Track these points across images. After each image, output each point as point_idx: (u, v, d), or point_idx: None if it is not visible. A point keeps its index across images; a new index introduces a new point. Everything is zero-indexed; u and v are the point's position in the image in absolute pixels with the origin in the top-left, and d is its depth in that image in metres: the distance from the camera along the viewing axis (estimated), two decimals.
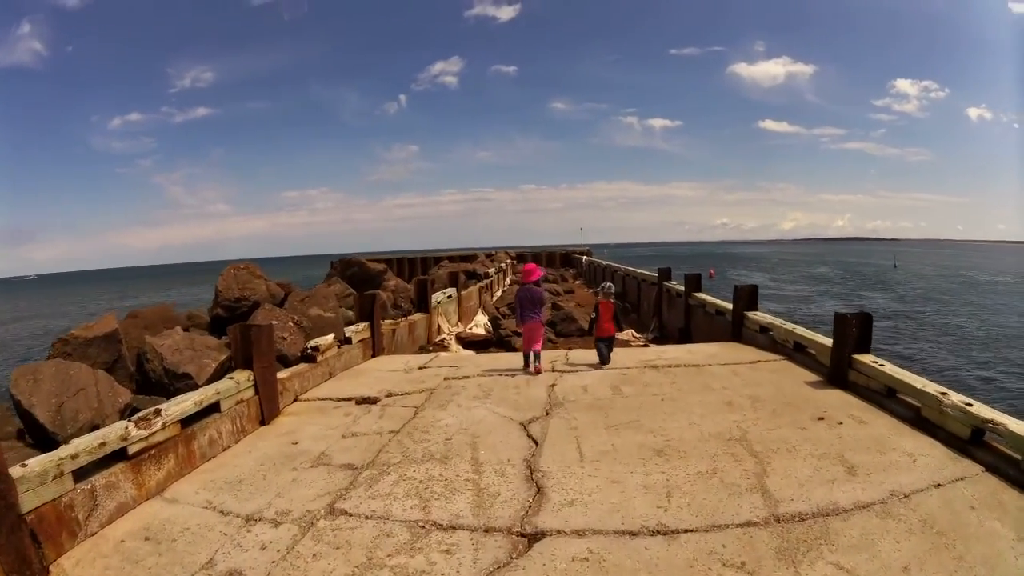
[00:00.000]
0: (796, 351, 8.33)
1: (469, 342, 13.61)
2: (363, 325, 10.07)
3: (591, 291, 30.53)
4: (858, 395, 6.40)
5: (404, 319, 12.09)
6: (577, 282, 37.88)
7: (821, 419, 5.68)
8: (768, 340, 9.24)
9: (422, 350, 12.66)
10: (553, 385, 7.46)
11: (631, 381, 7.51)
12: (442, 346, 13.37)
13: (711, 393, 6.80)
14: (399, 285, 13.49)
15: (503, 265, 34.67)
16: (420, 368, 8.84)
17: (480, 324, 17.13)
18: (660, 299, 16.37)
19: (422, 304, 13.27)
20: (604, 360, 8.57)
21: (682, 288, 14.19)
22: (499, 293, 24.07)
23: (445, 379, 7.98)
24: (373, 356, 10.12)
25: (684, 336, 13.18)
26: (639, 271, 21.55)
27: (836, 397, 6.44)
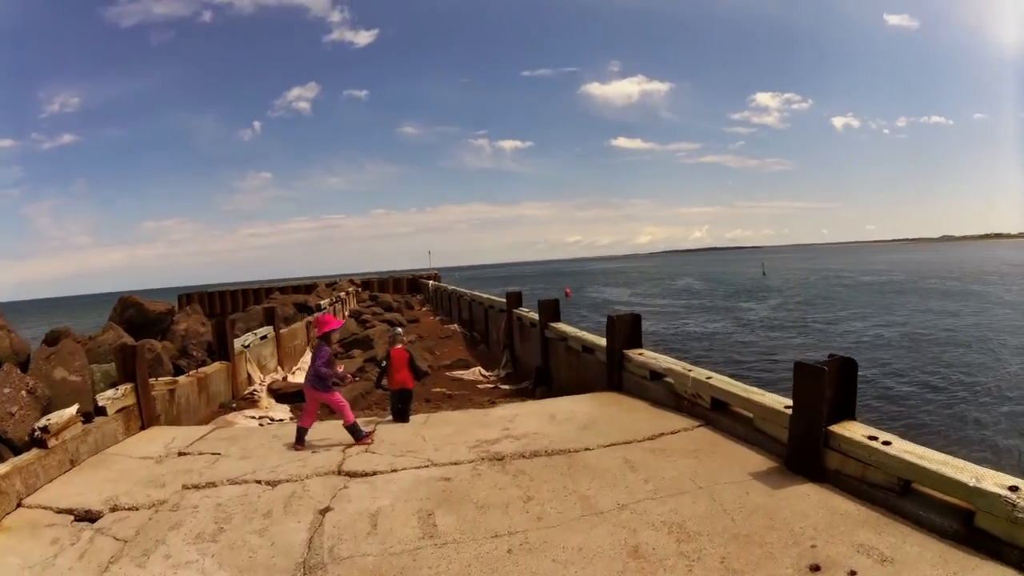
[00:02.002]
0: (715, 411, 6.18)
1: (284, 394, 11.46)
2: (125, 388, 7.74)
3: (438, 319, 28.96)
4: (847, 493, 4.28)
5: (193, 373, 9.76)
6: (424, 308, 36.18)
7: (816, 570, 3.38)
8: (665, 392, 7.11)
9: (223, 408, 10.38)
10: (327, 510, 4.66)
11: (458, 499, 4.74)
12: (252, 401, 11.12)
13: (599, 522, 4.17)
14: (192, 329, 11.04)
15: (342, 295, 32.13)
16: (182, 453, 6.57)
17: (305, 367, 14.93)
18: (511, 329, 14.80)
19: (222, 350, 10.96)
20: (397, 416, 7.36)
21: (536, 316, 12.24)
22: None
23: (184, 487, 5.37)
24: (143, 428, 7.81)
25: (542, 377, 11.54)
26: (485, 296, 20.11)
27: (815, 504, 4.19)
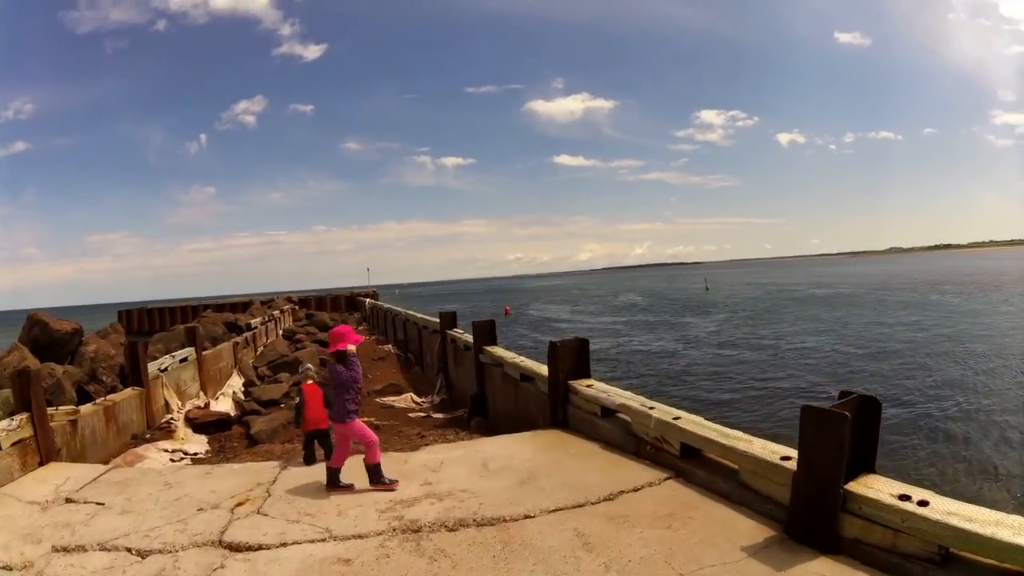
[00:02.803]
0: (687, 459, 5.34)
1: (202, 424, 10.95)
2: (22, 418, 7.22)
3: (374, 338, 28.46)
4: (872, 568, 3.50)
5: (100, 401, 9.22)
6: (361, 328, 35.55)
7: None
8: (620, 432, 6.28)
9: (135, 440, 9.83)
10: None
11: None
12: (168, 431, 10.59)
13: None
14: (102, 351, 10.47)
15: (276, 313, 31.28)
16: (69, 499, 6.02)
17: (231, 392, 14.37)
18: (445, 352, 14.53)
19: (135, 375, 10.40)
20: (308, 461, 6.79)
21: (470, 339, 11.73)
22: (262, 348, 21.08)
23: (53, 548, 4.75)
24: (42, 464, 7.30)
25: (478, 406, 11.13)
26: (419, 316, 19.81)
27: None
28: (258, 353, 19.92)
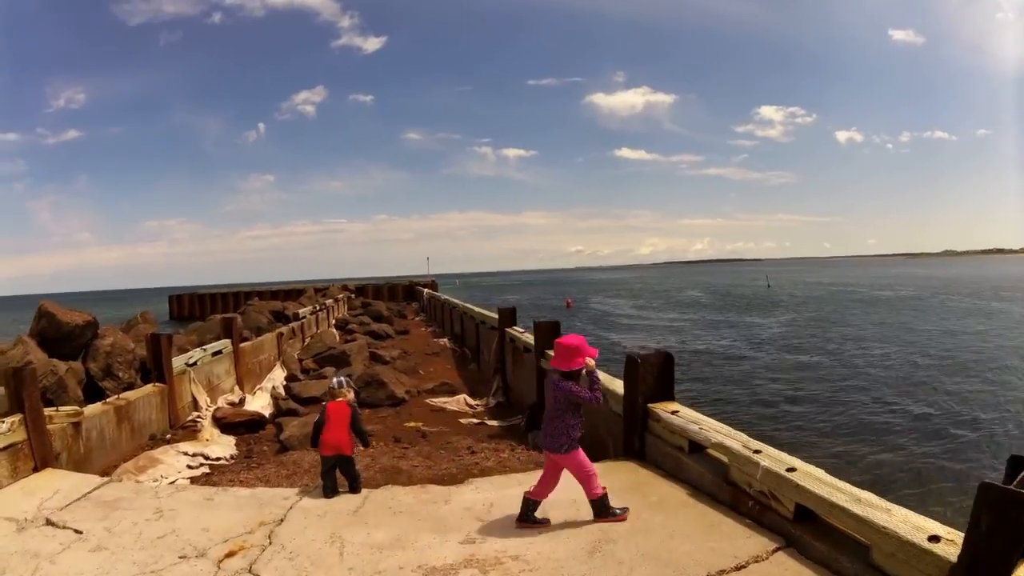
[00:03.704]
0: (802, 522, 4.12)
1: (231, 424, 9.99)
2: (14, 420, 6.36)
3: (429, 330, 27.51)
4: None
5: (111, 400, 8.30)
6: (417, 319, 34.77)
7: None
8: (712, 475, 5.09)
9: (153, 442, 8.92)
10: None
11: None
12: (193, 431, 9.67)
13: None
14: (119, 345, 9.59)
15: (328, 303, 30.66)
16: (49, 521, 5.10)
17: (270, 387, 13.47)
18: (503, 351, 13.26)
19: (158, 370, 9.50)
20: (327, 492, 5.65)
21: (531, 340, 10.44)
22: (309, 339, 20.26)
23: None
24: (36, 470, 6.43)
25: (536, 418, 9.41)
26: (477, 310, 18.55)
27: None
28: (305, 344, 19.10)
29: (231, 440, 9.57)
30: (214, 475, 7.85)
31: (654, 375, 6.19)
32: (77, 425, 7.28)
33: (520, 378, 11.83)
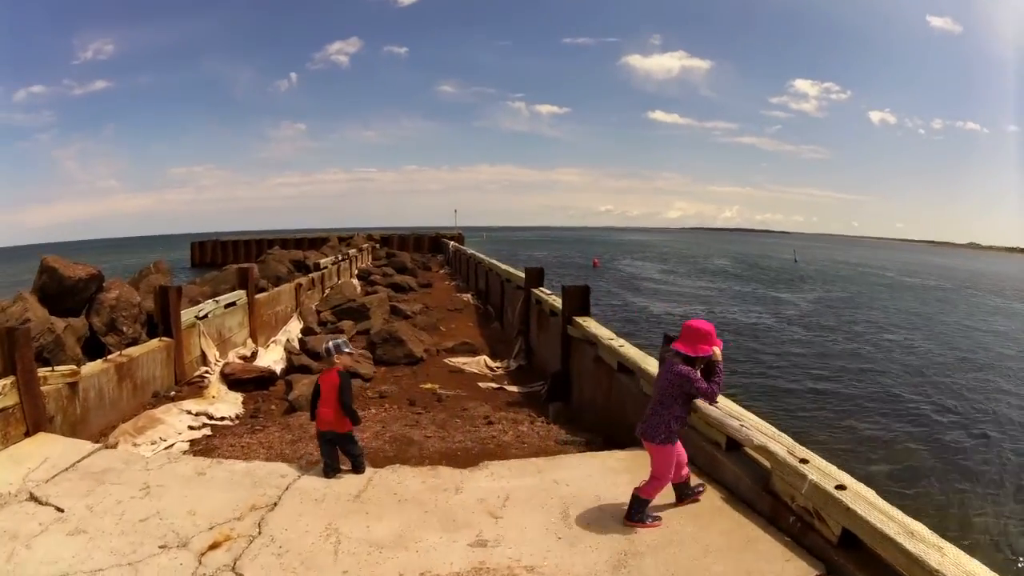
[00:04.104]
0: (847, 549, 3.60)
1: (239, 380, 9.62)
2: (4, 383, 6.01)
3: (453, 284, 27.06)
4: None
5: (111, 357, 7.92)
6: (442, 271, 34.30)
7: None
8: (750, 478, 4.56)
9: (157, 400, 8.58)
10: None
11: None
12: (199, 387, 9.33)
13: None
14: (124, 298, 9.18)
15: (351, 252, 30.27)
16: (32, 496, 4.79)
17: (284, 340, 13.11)
18: (528, 313, 12.73)
19: (165, 324, 9.11)
20: (327, 471, 5.21)
21: (558, 304, 9.91)
22: (329, 290, 19.86)
23: None
24: (29, 434, 6.10)
25: (559, 387, 9.33)
26: (503, 267, 17.95)
27: None
28: (324, 296, 18.73)
29: (238, 397, 9.22)
30: (215, 437, 7.50)
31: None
32: (73, 386, 6.91)
33: (544, 342, 11.31)
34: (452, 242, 43.95)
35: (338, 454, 5.30)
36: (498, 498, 4.75)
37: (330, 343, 5.39)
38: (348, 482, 5.09)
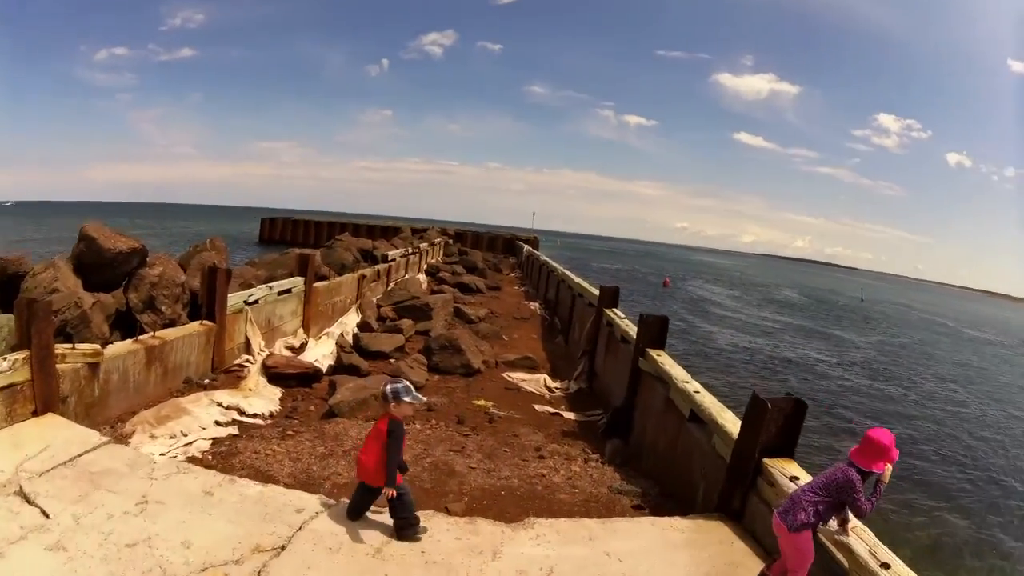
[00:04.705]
0: None
1: (281, 374, 9.05)
2: (19, 357, 5.55)
3: (523, 290, 26.28)
4: None
5: (142, 338, 7.42)
6: (512, 275, 33.58)
7: None
8: (821, 570, 3.86)
9: (188, 387, 8.07)
10: None
11: None
12: (237, 377, 8.81)
13: None
14: (168, 276, 8.72)
15: (423, 246, 29.87)
16: (22, 491, 4.28)
17: (338, 333, 12.56)
18: (597, 333, 11.79)
19: (210, 306, 8.62)
20: (351, 512, 4.46)
21: (632, 331, 9.11)
22: (394, 284, 19.35)
23: None
24: (36, 414, 5.64)
25: (619, 423, 8.41)
26: (576, 280, 17.00)
27: None
28: (388, 289, 18.22)
29: (277, 393, 8.64)
30: (241, 438, 6.90)
31: (778, 424, 4.91)
32: (94, 366, 6.42)
33: (610, 369, 10.36)
34: (526, 245, 43.21)
35: (371, 504, 4.51)
36: (540, 571, 3.91)
37: (388, 387, 4.38)
38: (372, 530, 4.29)
